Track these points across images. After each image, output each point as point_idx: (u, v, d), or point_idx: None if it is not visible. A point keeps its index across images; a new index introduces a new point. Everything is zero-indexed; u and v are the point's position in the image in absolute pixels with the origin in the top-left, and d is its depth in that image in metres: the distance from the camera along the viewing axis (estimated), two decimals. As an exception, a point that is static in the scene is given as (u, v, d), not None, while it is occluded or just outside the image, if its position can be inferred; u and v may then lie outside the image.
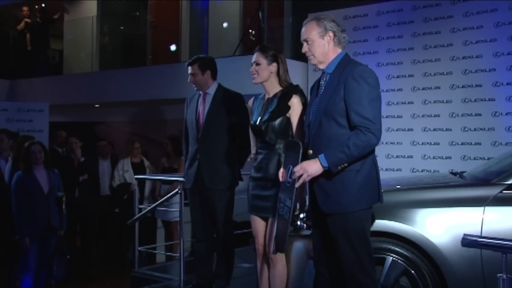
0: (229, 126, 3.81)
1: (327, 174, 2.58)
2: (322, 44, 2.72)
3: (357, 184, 2.58)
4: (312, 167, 2.57)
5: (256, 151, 3.18)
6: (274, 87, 3.15)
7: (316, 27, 2.72)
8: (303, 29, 2.78)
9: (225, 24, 9.30)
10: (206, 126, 3.84)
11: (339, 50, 2.77)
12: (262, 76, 3.13)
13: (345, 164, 2.55)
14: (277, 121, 3.04)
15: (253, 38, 8.06)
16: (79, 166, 6.43)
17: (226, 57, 7.60)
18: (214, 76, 3.98)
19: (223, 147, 3.81)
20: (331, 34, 2.72)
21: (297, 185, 2.63)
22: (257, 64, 3.13)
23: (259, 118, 3.11)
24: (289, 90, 3.10)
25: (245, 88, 6.71)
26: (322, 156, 2.56)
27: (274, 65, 3.13)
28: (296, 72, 6.48)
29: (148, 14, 10.47)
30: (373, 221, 2.97)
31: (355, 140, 2.52)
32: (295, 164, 2.66)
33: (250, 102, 3.30)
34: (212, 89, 3.95)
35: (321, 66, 2.78)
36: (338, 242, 2.62)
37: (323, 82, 2.76)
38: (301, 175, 2.58)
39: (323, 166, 2.55)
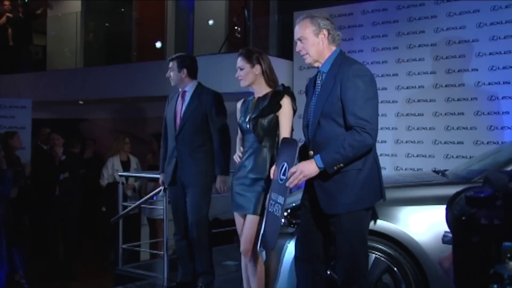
0: (206, 123, 3.88)
1: (326, 174, 2.56)
2: (316, 43, 2.69)
3: (359, 183, 2.57)
4: (308, 168, 2.54)
5: (243, 150, 3.19)
6: (263, 88, 3.19)
7: (310, 25, 2.69)
8: (296, 28, 2.73)
9: (210, 22, 9.27)
10: (182, 124, 3.91)
11: (334, 48, 2.73)
12: (247, 79, 3.16)
13: (341, 165, 2.52)
14: (267, 119, 3.05)
15: (239, 36, 8.04)
16: (59, 164, 6.37)
17: (211, 54, 7.58)
18: (192, 75, 4.04)
19: (200, 144, 3.88)
20: (325, 32, 2.69)
21: (291, 185, 2.59)
22: (241, 69, 3.16)
23: (249, 116, 3.12)
24: (280, 89, 3.12)
25: (231, 85, 6.72)
26: (317, 157, 2.54)
27: (258, 67, 3.15)
28: (281, 70, 6.49)
29: (134, 11, 10.39)
30: (375, 219, 2.98)
31: (350, 140, 2.50)
32: (291, 161, 2.63)
33: (238, 104, 3.31)
34: (190, 87, 4.01)
35: (316, 65, 2.74)
36: (338, 241, 2.59)
37: (319, 82, 2.72)
38: (296, 176, 2.55)
39: (319, 167, 2.53)
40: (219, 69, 6.97)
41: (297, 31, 2.73)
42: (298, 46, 2.73)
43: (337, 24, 6.37)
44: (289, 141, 2.80)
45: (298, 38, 2.72)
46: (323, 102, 2.63)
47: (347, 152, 2.49)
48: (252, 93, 3.31)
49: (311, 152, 2.65)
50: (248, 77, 3.15)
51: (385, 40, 6.13)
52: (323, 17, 2.71)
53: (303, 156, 2.70)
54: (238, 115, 3.27)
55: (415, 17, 5.92)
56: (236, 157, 3.22)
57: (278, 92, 3.10)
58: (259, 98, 3.17)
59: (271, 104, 3.06)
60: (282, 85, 3.18)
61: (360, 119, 2.51)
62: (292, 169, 2.57)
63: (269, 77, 3.17)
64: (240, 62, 3.18)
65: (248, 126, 3.10)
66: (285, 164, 2.68)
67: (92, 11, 10.73)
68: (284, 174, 2.65)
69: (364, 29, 6.30)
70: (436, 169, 4.08)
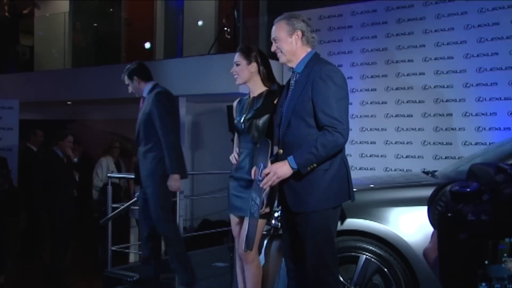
0: (152, 125, 3.93)
1: (296, 174, 2.59)
2: (289, 42, 2.75)
3: (325, 183, 2.60)
4: (282, 169, 2.58)
5: (239, 150, 3.16)
6: (258, 87, 3.14)
7: (285, 26, 2.76)
8: (273, 28, 2.82)
9: (200, 23, 9.25)
10: (138, 127, 4.05)
11: (308, 49, 2.79)
12: (242, 76, 3.12)
13: (314, 165, 2.56)
14: (262, 120, 3.02)
15: (228, 37, 8.03)
16: (71, 166, 6.24)
17: (201, 55, 7.56)
18: (144, 79, 4.10)
19: (151, 146, 3.95)
20: (299, 33, 2.74)
21: (264, 186, 2.62)
22: (237, 64, 3.13)
23: (244, 116, 3.09)
24: (275, 89, 3.09)
25: (220, 86, 6.72)
26: (291, 158, 2.57)
27: (254, 65, 3.11)
28: (271, 71, 6.50)
29: (122, 11, 10.34)
30: (344, 219, 3.00)
31: (322, 140, 2.53)
32: (265, 162, 2.67)
33: (234, 103, 3.28)
34: (146, 92, 4.09)
35: (290, 65, 2.80)
36: (304, 240, 2.64)
37: (293, 82, 2.78)
38: (270, 177, 2.58)
39: (292, 168, 2.57)
40: (208, 70, 6.96)
41: (273, 31, 2.81)
42: (273, 46, 2.81)
43: (326, 25, 6.49)
44: (264, 142, 2.81)
45: (273, 38, 2.80)
46: (295, 102, 2.67)
47: (320, 152, 2.52)
48: (242, 93, 3.29)
49: (281, 151, 2.70)
50: (243, 74, 3.11)
51: (374, 41, 6.15)
52: (300, 19, 2.78)
53: (275, 154, 2.74)
54: (235, 115, 3.25)
55: (404, 19, 5.96)
56: (232, 158, 3.19)
57: (272, 92, 3.08)
58: (254, 98, 3.13)
59: (265, 104, 3.03)
60: (277, 84, 3.16)
61: (332, 118, 2.55)
62: (266, 170, 2.61)
63: (266, 76, 3.13)
64: (237, 57, 3.14)
65: (243, 127, 3.08)
66: (262, 165, 2.70)
67: (80, 11, 10.66)
68: (261, 175, 2.67)
69: (353, 30, 6.32)
70: (426, 170, 4.10)
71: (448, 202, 1.01)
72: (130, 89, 4.15)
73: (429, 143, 5.69)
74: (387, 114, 6.00)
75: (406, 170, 5.71)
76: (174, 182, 3.88)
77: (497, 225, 0.91)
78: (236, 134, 3.28)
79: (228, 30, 7.99)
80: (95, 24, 11.01)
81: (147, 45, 9.81)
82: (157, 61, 8.71)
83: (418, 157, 5.74)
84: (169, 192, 4.00)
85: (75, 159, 6.25)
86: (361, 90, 6.13)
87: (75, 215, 6.24)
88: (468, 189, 0.97)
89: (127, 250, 5.97)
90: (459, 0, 5.62)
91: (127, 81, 4.11)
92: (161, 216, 3.96)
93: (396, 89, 5.98)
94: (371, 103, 6.11)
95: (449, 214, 0.97)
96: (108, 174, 5.89)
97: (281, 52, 2.76)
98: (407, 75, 5.90)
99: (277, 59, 2.89)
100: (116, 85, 8.36)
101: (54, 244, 6.17)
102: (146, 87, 4.07)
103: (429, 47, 5.77)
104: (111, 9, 10.97)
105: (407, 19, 5.94)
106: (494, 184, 0.96)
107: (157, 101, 3.92)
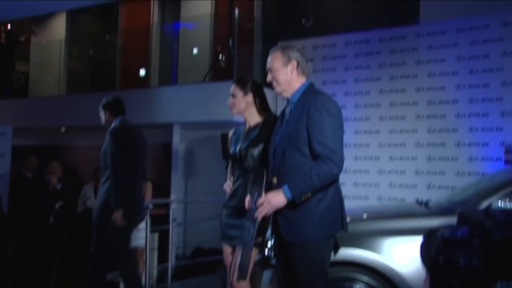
0: (107, 159, 4.05)
1: (290, 204, 2.58)
2: (285, 73, 2.75)
3: (319, 213, 2.59)
4: (276, 199, 2.57)
5: (233, 179, 3.16)
6: (254, 117, 3.16)
7: (280, 56, 2.77)
8: (268, 58, 2.83)
9: (195, 50, 9.34)
10: (101, 161, 4.15)
11: (303, 79, 2.80)
12: (238, 107, 3.15)
13: (309, 195, 2.55)
14: (257, 149, 3.02)
15: (223, 65, 8.11)
16: (54, 193, 6.21)
17: (195, 83, 7.61)
18: (114, 114, 4.21)
19: (105, 179, 4.05)
20: (294, 63, 2.75)
21: (260, 216, 2.61)
22: (233, 96, 3.15)
23: (239, 145, 3.10)
24: (271, 119, 3.11)
25: (214, 114, 6.74)
26: (285, 187, 2.56)
27: (250, 96, 3.13)
28: (265, 100, 6.54)
29: (118, 38, 10.43)
30: (337, 249, 2.98)
31: (317, 170, 2.53)
32: (260, 191, 2.66)
33: (229, 134, 3.29)
34: (112, 126, 4.20)
35: (285, 95, 2.80)
36: (298, 270, 2.62)
37: (287, 111, 2.79)
38: (264, 207, 2.57)
39: (287, 197, 2.55)
40: (203, 98, 6.99)
41: (268, 62, 2.82)
42: (268, 76, 2.82)
43: (320, 54, 6.57)
44: (258, 172, 2.81)
45: (268, 68, 2.81)
46: (289, 131, 2.68)
47: (314, 182, 2.52)
48: (236, 121, 3.30)
49: (275, 180, 2.69)
50: (239, 105, 3.13)
51: (368, 71, 6.23)
52: (295, 49, 2.79)
53: (269, 183, 2.73)
54: (229, 145, 3.25)
55: (397, 49, 6.05)
56: (227, 187, 3.18)
57: (268, 122, 3.10)
58: (249, 127, 3.15)
59: (261, 133, 3.05)
60: (274, 115, 3.18)
61: (327, 148, 2.56)
62: (260, 200, 2.60)
63: (261, 107, 3.15)
64: (233, 88, 3.16)
65: (238, 156, 3.08)
66: (256, 195, 2.69)
67: (76, 38, 10.75)
68: (255, 205, 2.66)
69: (347, 60, 6.41)
70: (419, 200, 4.10)
71: (440, 247, 1.01)
72: (102, 120, 4.23)
73: (422, 172, 5.71)
74: (381, 143, 6.03)
75: (399, 199, 5.71)
76: (116, 217, 3.87)
77: (488, 270, 0.91)
78: (230, 163, 3.28)
79: (223, 58, 8.07)
80: (91, 51, 11.10)
81: (142, 72, 9.87)
82: (152, 88, 8.76)
83: (411, 186, 5.75)
84: (113, 230, 3.93)
85: (58, 186, 6.22)
86: (354, 119, 6.18)
87: (54, 242, 6.16)
88: (459, 235, 0.97)
89: (119, 278, 5.87)
90: (450, 32, 5.73)
91: (100, 112, 4.22)
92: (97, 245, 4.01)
93: (389, 118, 6.02)
94: (364, 132, 6.14)
95: (441, 260, 0.97)
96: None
97: (277, 82, 2.77)
98: (400, 104, 5.96)
99: (271, 88, 2.90)
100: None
101: (34, 271, 6.09)
102: (114, 121, 4.17)
103: (421, 78, 5.85)
104: (106, 36, 11.07)
105: (399, 49, 6.03)
106: (484, 229, 0.96)
107: (110, 136, 4.04)
